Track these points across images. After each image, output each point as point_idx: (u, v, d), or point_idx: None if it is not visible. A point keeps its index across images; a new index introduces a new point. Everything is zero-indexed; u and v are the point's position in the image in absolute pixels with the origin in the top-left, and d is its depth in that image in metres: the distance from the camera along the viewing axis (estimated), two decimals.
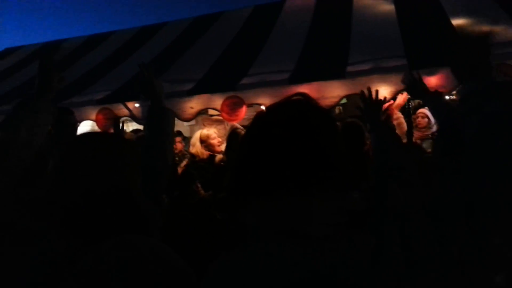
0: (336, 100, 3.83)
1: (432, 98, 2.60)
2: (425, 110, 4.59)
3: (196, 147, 4.25)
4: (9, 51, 8.01)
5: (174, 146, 4.25)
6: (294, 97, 0.93)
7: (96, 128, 4.66)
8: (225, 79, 4.32)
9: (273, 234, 0.75)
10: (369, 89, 2.28)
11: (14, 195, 1.23)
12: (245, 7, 6.77)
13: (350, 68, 3.84)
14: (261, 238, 0.76)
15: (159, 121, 1.71)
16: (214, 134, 4.30)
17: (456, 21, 4.27)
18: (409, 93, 3.29)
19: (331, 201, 0.77)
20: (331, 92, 3.82)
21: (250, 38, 5.41)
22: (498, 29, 3.94)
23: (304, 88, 3.88)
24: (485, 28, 3.50)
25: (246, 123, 4.81)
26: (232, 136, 4.22)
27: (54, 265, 0.93)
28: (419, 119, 4.69)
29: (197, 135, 4.34)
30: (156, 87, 1.81)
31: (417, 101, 4.90)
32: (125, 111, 4.43)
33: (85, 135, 1.30)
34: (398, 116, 4.34)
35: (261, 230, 0.78)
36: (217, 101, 4.10)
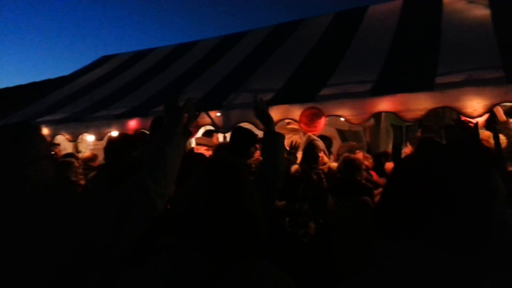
0: (422, 113, 3.62)
1: None
2: None
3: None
4: (105, 59, 8.82)
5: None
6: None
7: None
8: (304, 90, 4.32)
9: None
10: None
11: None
12: (326, 14, 6.70)
13: (439, 80, 3.61)
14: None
15: (272, 145, 1.99)
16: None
17: None
18: None
19: None
20: (417, 105, 3.62)
21: (330, 47, 5.35)
22: None
23: (387, 100, 3.74)
24: None
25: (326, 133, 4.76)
26: (309, 147, 4.21)
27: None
28: None
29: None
30: (269, 116, 2.11)
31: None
32: (207, 120, 4.63)
33: (216, 164, 1.41)
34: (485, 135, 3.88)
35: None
36: (296, 111, 4.12)
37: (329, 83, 4.27)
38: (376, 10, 6.07)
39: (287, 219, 3.78)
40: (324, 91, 4.12)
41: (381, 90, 3.80)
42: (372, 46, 4.93)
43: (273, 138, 2.02)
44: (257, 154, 5.43)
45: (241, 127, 4.14)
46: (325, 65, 4.76)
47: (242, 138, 3.75)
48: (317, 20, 6.66)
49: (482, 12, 4.77)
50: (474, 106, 3.43)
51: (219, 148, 4.10)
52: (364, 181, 3.74)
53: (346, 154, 3.99)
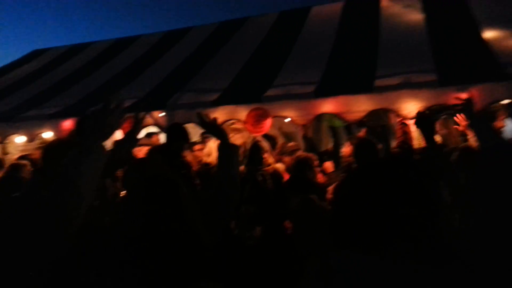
0: (362, 114, 3.77)
1: (479, 121, 2.53)
2: None
3: (212, 157, 4.26)
4: (37, 53, 8.20)
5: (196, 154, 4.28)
6: None
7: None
8: (250, 90, 4.31)
9: None
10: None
11: None
12: (270, 13, 6.74)
13: (378, 82, 3.77)
14: None
15: (228, 157, 1.97)
16: None
17: (487, 34, 4.14)
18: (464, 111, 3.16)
19: None
20: (358, 107, 3.76)
21: (274, 47, 5.38)
22: None
23: (330, 102, 3.84)
24: None
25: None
26: (254, 149, 4.19)
27: None
28: None
29: (214, 144, 4.34)
30: (221, 128, 2.09)
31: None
32: (150, 120, 4.47)
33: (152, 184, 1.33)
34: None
35: None
36: (242, 112, 4.10)
37: (275, 84, 4.30)
38: (319, 11, 6.20)
39: (233, 222, 3.75)
40: (270, 92, 4.14)
41: (324, 92, 3.90)
42: (315, 47, 5.03)
43: (228, 150, 2.01)
44: (201, 153, 5.35)
45: (174, 124, 4.09)
46: (270, 66, 4.79)
47: (176, 138, 3.70)
48: (261, 19, 6.68)
49: (416, 17, 5.04)
50: (410, 108, 3.63)
51: (153, 153, 3.99)
52: (316, 179, 3.80)
53: (299, 153, 4.06)
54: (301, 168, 3.77)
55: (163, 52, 6.39)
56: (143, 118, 2.05)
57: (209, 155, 4.42)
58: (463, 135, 4.66)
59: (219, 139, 2.09)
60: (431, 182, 0.97)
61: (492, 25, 4.26)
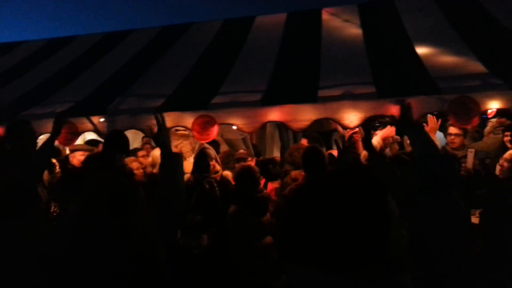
0: (307, 123, 3.88)
1: (414, 130, 2.69)
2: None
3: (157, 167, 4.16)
4: None
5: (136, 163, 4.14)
6: None
7: None
8: (196, 97, 4.25)
9: None
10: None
11: None
12: (215, 20, 6.73)
13: (321, 93, 3.90)
14: None
15: (172, 166, 1.98)
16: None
17: (420, 50, 4.47)
18: (399, 121, 3.35)
19: None
20: (303, 116, 3.87)
21: (220, 54, 5.38)
22: (460, 61, 4.17)
23: (276, 111, 3.92)
24: None
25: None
26: (201, 156, 4.18)
27: None
28: (453, 137, 4.69)
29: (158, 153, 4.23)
30: (166, 136, 2.15)
31: None
32: (89, 126, 4.25)
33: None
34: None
35: None
36: (188, 119, 4.03)
37: (221, 91, 4.28)
38: (262, 21, 6.30)
39: (179, 230, 3.67)
40: (216, 99, 4.11)
41: (271, 101, 3.96)
42: (260, 56, 5.11)
43: (172, 159, 1.98)
44: (146, 161, 5.18)
45: (114, 132, 3.97)
46: (216, 73, 4.77)
47: (114, 146, 3.60)
48: (206, 26, 6.65)
49: (355, 31, 5.32)
50: (351, 118, 3.81)
51: (89, 161, 3.82)
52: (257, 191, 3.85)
53: (242, 163, 4.09)
54: (240, 179, 3.84)
55: (102, 54, 6.11)
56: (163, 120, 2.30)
57: (154, 165, 4.30)
58: (400, 143, 5.01)
59: (161, 149, 2.08)
60: (379, 196, 1.01)
61: (424, 41, 4.61)
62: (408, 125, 2.82)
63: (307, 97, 3.91)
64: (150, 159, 4.88)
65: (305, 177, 3.83)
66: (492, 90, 3.53)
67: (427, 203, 2.11)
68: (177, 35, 6.31)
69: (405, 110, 2.75)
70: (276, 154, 6.80)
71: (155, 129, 2.40)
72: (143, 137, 5.96)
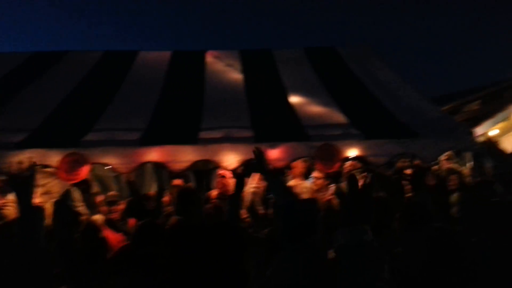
0: (187, 164, 3.84)
1: (273, 179, 2.79)
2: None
3: None
4: None
5: None
6: None
7: None
8: (66, 132, 3.91)
9: None
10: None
11: None
12: (94, 50, 6.40)
13: (202, 134, 3.94)
14: None
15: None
16: None
17: (293, 99, 4.88)
18: (255, 166, 3.48)
19: None
20: (184, 157, 3.82)
21: (97, 87, 5.09)
22: (325, 110, 4.65)
23: (156, 151, 3.80)
24: None
25: None
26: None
27: None
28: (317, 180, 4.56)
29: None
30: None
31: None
32: None
33: None
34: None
35: None
36: (55, 157, 3.63)
37: (96, 128, 4.02)
38: (146, 57, 6.20)
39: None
40: (90, 136, 3.84)
41: (150, 141, 3.84)
42: (141, 93, 4.98)
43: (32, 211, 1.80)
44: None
45: None
46: (91, 107, 4.47)
47: None
48: (83, 55, 6.26)
49: (236, 76, 5.57)
50: (230, 160, 3.89)
51: None
52: None
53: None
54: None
55: None
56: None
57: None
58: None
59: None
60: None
61: (297, 91, 5.04)
62: (263, 171, 2.92)
63: (188, 138, 3.91)
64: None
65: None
66: (352, 139, 4.00)
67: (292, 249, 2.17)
68: (49, 63, 5.78)
69: (259, 157, 2.83)
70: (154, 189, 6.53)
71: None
72: None
